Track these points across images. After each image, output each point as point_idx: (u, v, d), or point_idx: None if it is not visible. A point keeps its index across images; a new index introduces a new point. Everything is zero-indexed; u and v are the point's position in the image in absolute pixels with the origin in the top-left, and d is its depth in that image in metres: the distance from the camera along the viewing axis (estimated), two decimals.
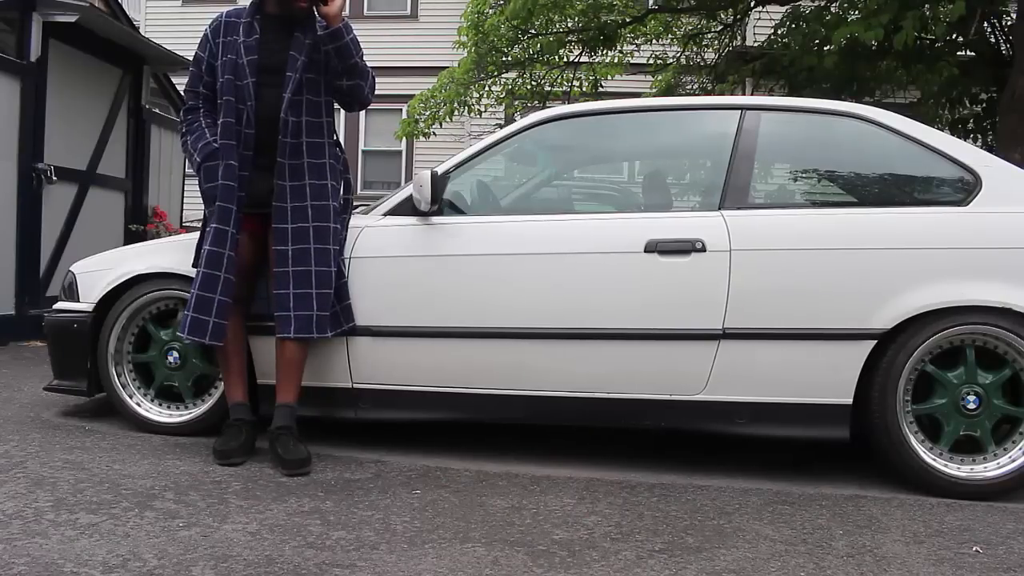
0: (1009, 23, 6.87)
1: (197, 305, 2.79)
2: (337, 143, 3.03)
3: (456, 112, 8.94)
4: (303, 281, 2.82)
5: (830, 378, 2.79)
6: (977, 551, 2.24)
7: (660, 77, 9.83)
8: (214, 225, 2.82)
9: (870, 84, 7.27)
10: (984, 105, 7.46)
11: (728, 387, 2.84)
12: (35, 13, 5.51)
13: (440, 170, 3.04)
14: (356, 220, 3.11)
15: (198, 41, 3.00)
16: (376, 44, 11.70)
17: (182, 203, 8.25)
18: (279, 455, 2.77)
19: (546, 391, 2.94)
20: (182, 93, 3.11)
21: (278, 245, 2.84)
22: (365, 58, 2.93)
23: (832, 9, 7.19)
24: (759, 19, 9.15)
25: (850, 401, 2.78)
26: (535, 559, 2.10)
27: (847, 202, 3.18)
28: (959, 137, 6.66)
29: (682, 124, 3.37)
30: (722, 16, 9.04)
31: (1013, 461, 2.74)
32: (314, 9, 2.87)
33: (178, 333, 2.95)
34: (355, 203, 3.22)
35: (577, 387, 2.92)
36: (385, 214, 3.12)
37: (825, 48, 6.77)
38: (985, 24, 6.76)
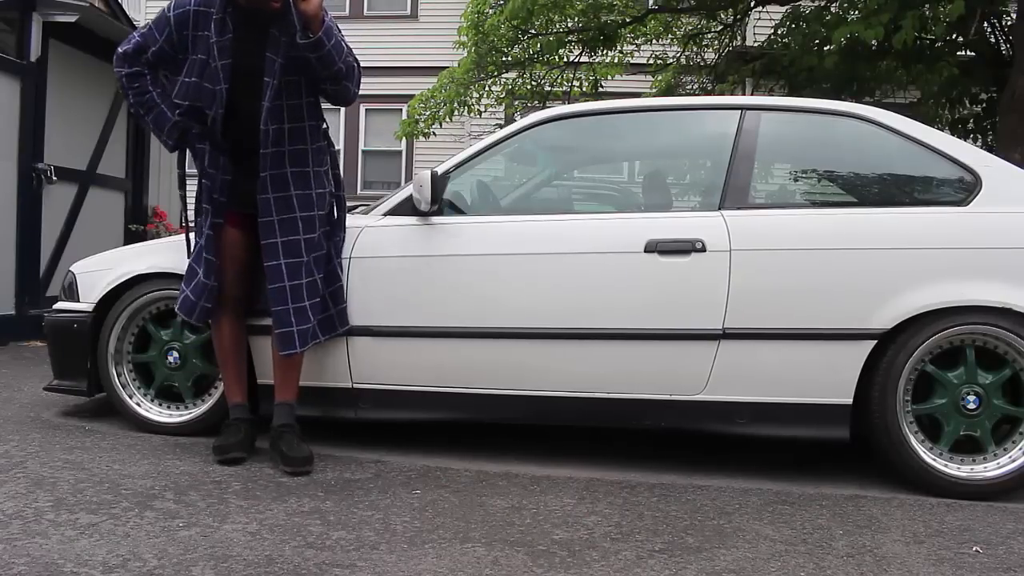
0: (1009, 23, 6.87)
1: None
2: (326, 142, 2.91)
3: (456, 112, 8.93)
4: (299, 295, 2.76)
5: (830, 378, 2.79)
6: (977, 551, 2.24)
7: (660, 77, 9.83)
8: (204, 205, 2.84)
9: (870, 84, 7.27)
10: (984, 105, 7.46)
11: (728, 387, 2.83)
12: (35, 13, 5.52)
13: (440, 170, 3.04)
14: (356, 220, 3.11)
15: None
16: (376, 44, 11.72)
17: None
18: (283, 452, 2.75)
19: (546, 391, 2.93)
20: (118, 51, 2.79)
21: (270, 260, 2.75)
22: (364, 58, 2.84)
23: (832, 9, 7.19)
24: (759, 19, 9.15)
25: (850, 401, 2.78)
26: (535, 559, 2.10)
27: (847, 202, 3.18)
28: (959, 137, 6.66)
29: (682, 124, 3.37)
30: (722, 16, 9.04)
31: (1013, 461, 2.74)
32: (291, 4, 2.57)
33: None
34: (356, 204, 3.20)
35: (577, 387, 2.92)
36: (385, 214, 3.11)
37: (825, 48, 6.77)
38: (985, 24, 6.75)
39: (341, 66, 2.68)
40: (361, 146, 13.44)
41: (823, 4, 7.37)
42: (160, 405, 3.23)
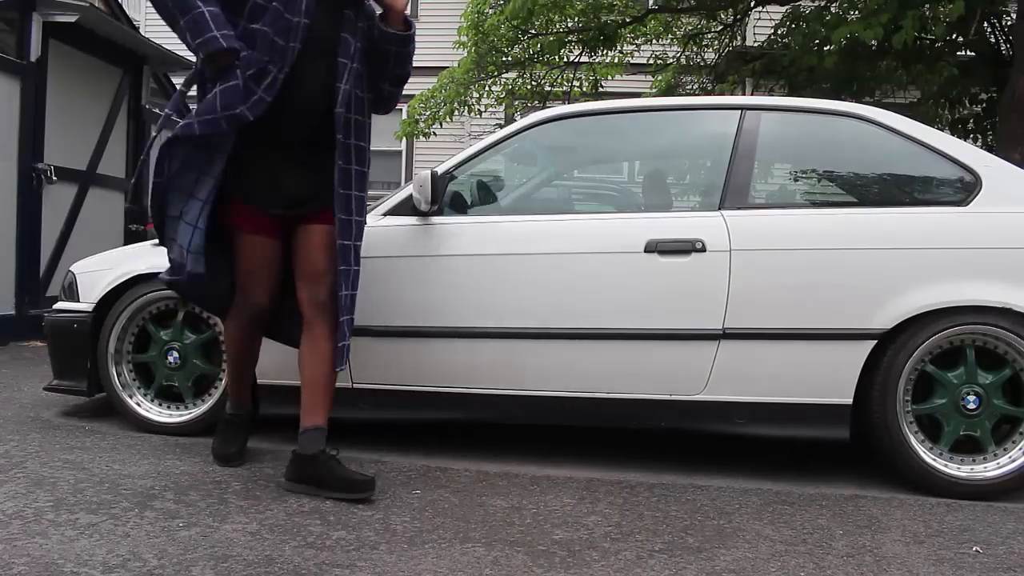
0: (1009, 23, 6.87)
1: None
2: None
3: (456, 112, 8.94)
4: (353, 305, 2.55)
5: (830, 378, 2.79)
6: (977, 551, 2.24)
7: (660, 77, 9.84)
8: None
9: (870, 84, 7.28)
10: (984, 105, 7.47)
11: (728, 387, 2.84)
12: (35, 13, 5.52)
13: (440, 170, 3.04)
14: None
15: None
16: None
17: None
18: (348, 478, 2.49)
19: (546, 391, 2.94)
20: None
21: (341, 265, 2.52)
22: None
23: (832, 9, 7.20)
24: (759, 19, 9.16)
25: (850, 401, 2.78)
26: (535, 559, 2.10)
27: (847, 202, 3.18)
28: (959, 137, 6.66)
29: (682, 124, 3.37)
30: (722, 16, 9.05)
31: (1013, 461, 2.74)
32: None
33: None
34: None
35: (577, 387, 2.92)
36: (385, 214, 3.11)
37: (825, 48, 6.77)
38: (985, 24, 6.76)
39: (410, 69, 2.64)
40: None
41: (823, 4, 7.37)
42: (160, 405, 3.24)
